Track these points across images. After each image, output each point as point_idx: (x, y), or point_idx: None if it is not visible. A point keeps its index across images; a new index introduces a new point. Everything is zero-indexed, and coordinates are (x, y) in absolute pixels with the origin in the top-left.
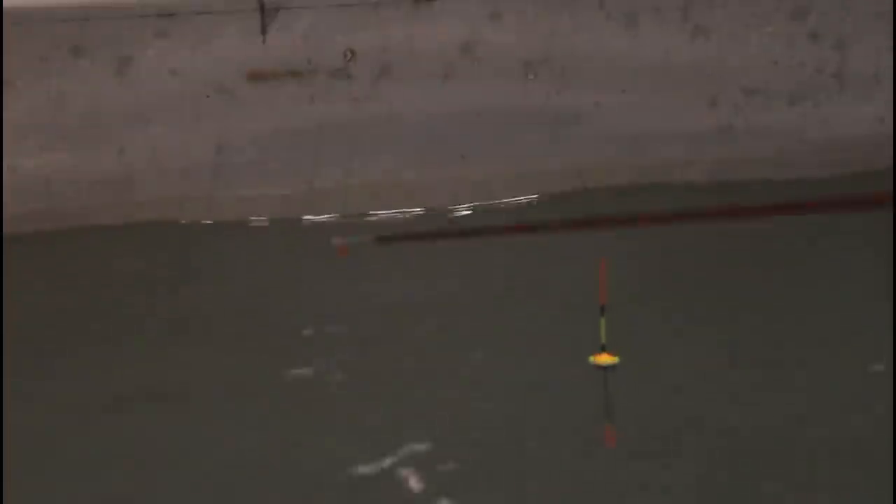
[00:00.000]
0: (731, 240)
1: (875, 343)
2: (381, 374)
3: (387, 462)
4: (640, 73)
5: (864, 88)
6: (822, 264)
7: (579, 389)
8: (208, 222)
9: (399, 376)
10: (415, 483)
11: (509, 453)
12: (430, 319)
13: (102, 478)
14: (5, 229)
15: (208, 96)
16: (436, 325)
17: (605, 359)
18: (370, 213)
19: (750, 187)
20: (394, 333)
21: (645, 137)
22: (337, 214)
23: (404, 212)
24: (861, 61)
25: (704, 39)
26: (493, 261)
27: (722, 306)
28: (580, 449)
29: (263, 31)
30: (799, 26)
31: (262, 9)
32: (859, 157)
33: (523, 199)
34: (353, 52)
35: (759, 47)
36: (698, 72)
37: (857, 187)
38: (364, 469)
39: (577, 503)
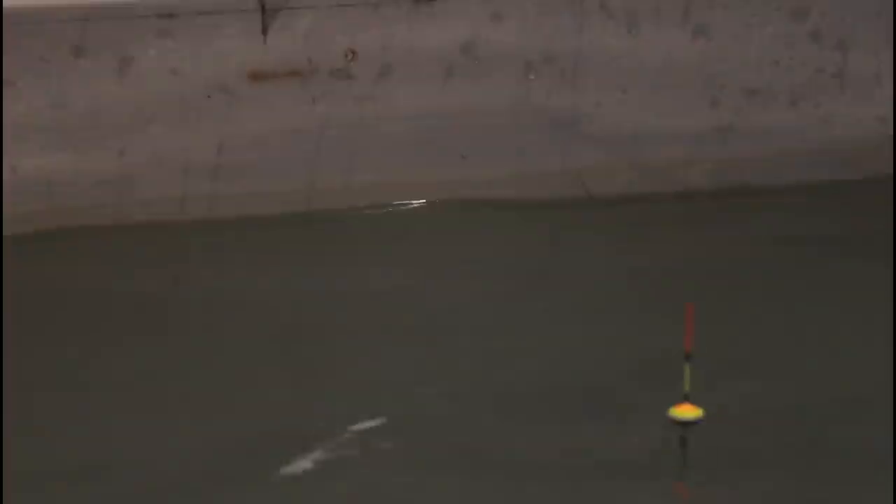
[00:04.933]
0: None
1: None
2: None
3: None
4: (640, 73)
5: (865, 89)
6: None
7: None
8: (209, 222)
9: (425, 402)
10: None
11: None
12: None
13: (103, 478)
14: (5, 229)
15: (209, 96)
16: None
17: (687, 411)
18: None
19: (750, 187)
20: (412, 349)
21: (645, 137)
22: (337, 213)
23: (406, 203)
24: (862, 61)
25: (705, 39)
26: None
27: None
28: None
29: (264, 31)
30: (799, 26)
31: (262, 9)
32: (860, 158)
33: (520, 198)
34: (353, 52)
35: (759, 47)
36: (698, 72)
37: (857, 188)
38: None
39: None
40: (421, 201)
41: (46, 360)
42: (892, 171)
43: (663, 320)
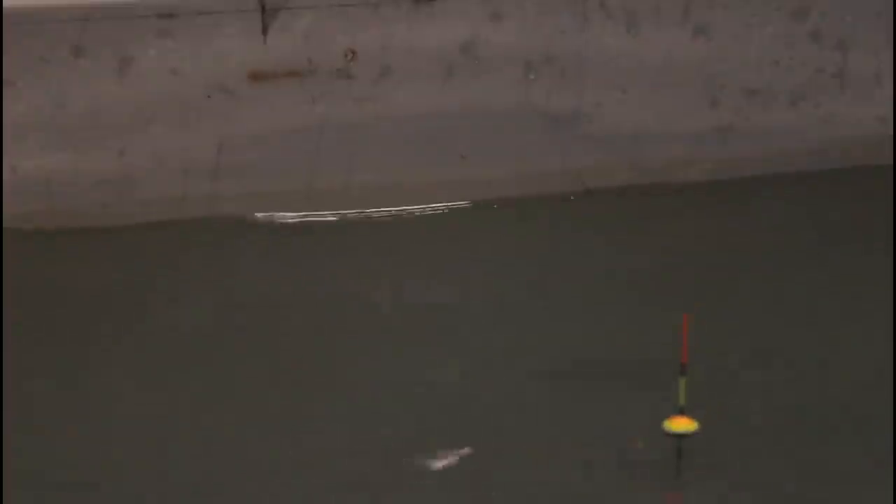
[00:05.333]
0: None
1: None
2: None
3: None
4: (640, 73)
5: (865, 89)
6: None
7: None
8: (209, 222)
9: (424, 410)
10: None
11: None
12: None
13: (102, 478)
14: (5, 229)
15: (209, 96)
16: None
17: (681, 424)
18: (370, 212)
19: (750, 187)
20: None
21: (645, 137)
22: (337, 214)
23: (406, 203)
24: (862, 61)
25: (704, 39)
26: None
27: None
28: None
29: (264, 31)
30: (799, 26)
31: (262, 9)
32: (860, 158)
33: (521, 198)
34: (353, 52)
35: (759, 47)
36: (698, 72)
37: (857, 188)
38: None
39: None
40: (421, 201)
41: (46, 361)
42: (892, 170)
43: (664, 314)
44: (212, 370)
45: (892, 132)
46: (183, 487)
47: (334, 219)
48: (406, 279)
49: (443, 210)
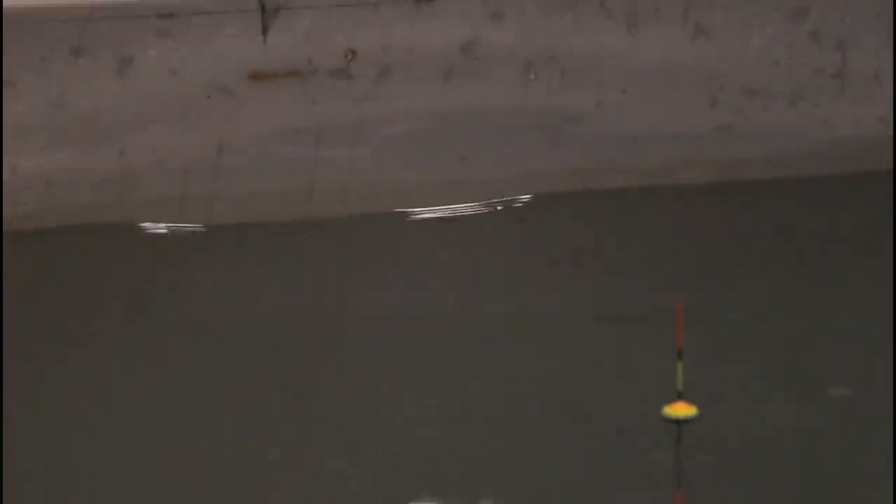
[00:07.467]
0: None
1: None
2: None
3: None
4: (640, 73)
5: (865, 89)
6: None
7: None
8: (209, 222)
9: (419, 409)
10: None
11: None
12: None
13: (100, 478)
14: (5, 229)
15: (209, 96)
16: (465, 354)
17: (681, 409)
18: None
19: (750, 187)
20: (409, 355)
21: (645, 137)
22: (337, 215)
23: (406, 203)
24: (862, 61)
25: (704, 39)
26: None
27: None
28: None
29: (264, 31)
30: (799, 26)
31: (262, 9)
32: (860, 158)
33: (522, 198)
34: (353, 52)
35: (759, 47)
36: (698, 72)
37: (857, 188)
38: None
39: None
40: (421, 201)
41: (46, 360)
42: (891, 171)
43: (665, 315)
44: (212, 370)
45: (892, 132)
46: (182, 486)
47: (334, 218)
48: (406, 278)
49: (441, 210)
